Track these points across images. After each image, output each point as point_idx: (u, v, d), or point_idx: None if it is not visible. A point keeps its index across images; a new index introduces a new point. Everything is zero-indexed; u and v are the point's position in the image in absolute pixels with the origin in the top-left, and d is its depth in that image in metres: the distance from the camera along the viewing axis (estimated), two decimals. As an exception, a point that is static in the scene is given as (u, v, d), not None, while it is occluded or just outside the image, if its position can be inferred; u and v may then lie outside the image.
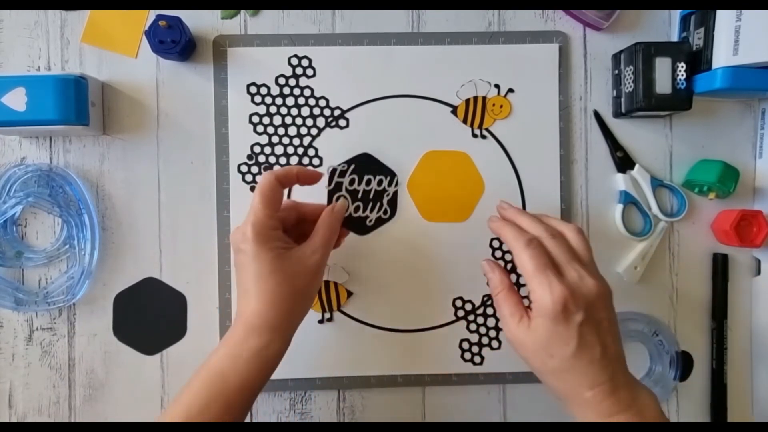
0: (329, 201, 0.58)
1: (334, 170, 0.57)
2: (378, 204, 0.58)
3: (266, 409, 0.60)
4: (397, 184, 0.59)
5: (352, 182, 0.58)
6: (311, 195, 0.59)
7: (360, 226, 0.58)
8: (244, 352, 0.46)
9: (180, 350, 0.59)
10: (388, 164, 0.59)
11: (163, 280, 0.59)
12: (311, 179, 0.53)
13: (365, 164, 0.59)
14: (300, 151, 0.59)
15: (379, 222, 0.59)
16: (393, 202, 0.59)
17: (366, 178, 0.58)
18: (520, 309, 0.46)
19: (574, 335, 0.43)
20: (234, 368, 0.46)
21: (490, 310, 0.60)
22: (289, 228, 0.52)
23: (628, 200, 0.60)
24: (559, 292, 0.43)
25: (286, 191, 0.59)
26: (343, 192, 0.57)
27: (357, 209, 0.58)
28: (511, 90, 0.60)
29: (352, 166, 0.58)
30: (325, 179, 0.58)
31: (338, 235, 0.54)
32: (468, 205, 0.60)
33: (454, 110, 0.60)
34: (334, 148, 0.59)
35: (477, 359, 0.60)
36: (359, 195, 0.58)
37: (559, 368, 0.44)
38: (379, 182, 0.58)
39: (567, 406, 0.45)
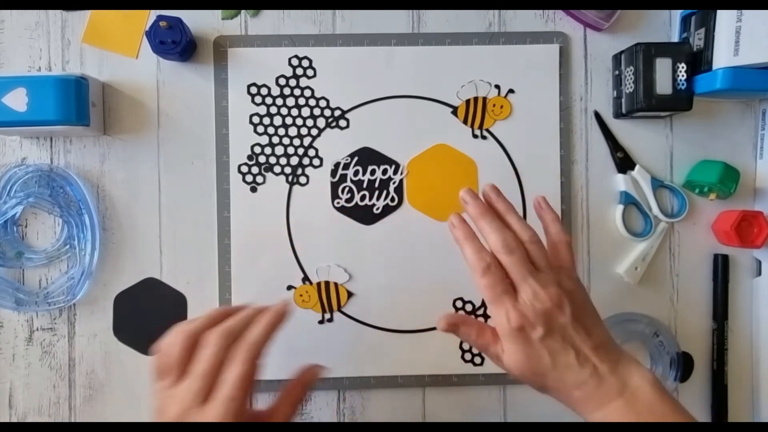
0: (333, 194, 0.59)
1: (337, 163, 0.57)
2: (385, 192, 0.59)
3: (266, 409, 0.60)
4: (402, 173, 0.59)
5: (356, 173, 0.58)
6: (314, 194, 0.59)
7: (366, 216, 0.59)
8: None
9: (180, 350, 0.59)
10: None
11: (163, 281, 0.59)
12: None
13: (368, 156, 0.59)
14: (300, 151, 0.59)
15: (387, 210, 0.59)
16: (400, 190, 0.59)
17: (370, 168, 0.58)
18: (496, 343, 0.46)
19: (542, 350, 0.44)
20: None
21: (490, 311, 0.60)
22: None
23: (629, 201, 0.60)
24: (514, 318, 0.44)
25: (283, 201, 0.59)
26: (348, 183, 0.57)
27: (363, 198, 0.59)
28: (511, 90, 0.60)
29: (356, 158, 0.58)
30: (327, 173, 0.59)
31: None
32: (457, 207, 0.60)
33: (455, 111, 0.60)
34: (335, 149, 0.59)
35: (477, 360, 0.60)
36: (364, 185, 0.58)
37: (546, 382, 0.45)
38: (384, 171, 0.58)
39: (573, 409, 0.46)
